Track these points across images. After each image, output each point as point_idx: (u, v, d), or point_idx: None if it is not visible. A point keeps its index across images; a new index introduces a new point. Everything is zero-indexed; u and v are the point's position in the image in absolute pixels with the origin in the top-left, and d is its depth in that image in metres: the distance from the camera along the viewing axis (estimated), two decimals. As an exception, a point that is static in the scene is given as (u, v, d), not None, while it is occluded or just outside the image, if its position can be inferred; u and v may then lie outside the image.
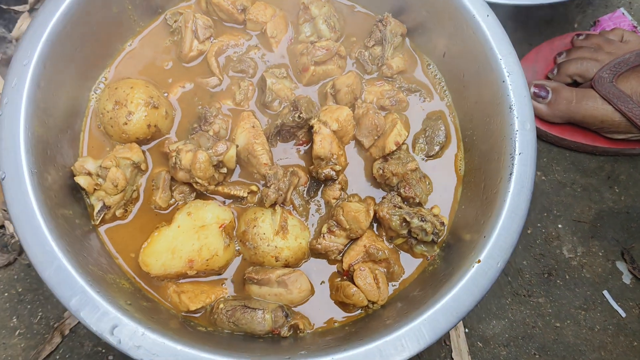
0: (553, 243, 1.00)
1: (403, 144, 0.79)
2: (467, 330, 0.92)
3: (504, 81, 0.74)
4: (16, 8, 1.12)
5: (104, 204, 0.72)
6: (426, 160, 0.82)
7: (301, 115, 0.77)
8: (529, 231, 1.00)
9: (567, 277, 0.98)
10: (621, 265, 0.99)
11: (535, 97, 1.01)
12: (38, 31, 0.70)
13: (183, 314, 0.71)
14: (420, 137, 0.83)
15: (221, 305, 0.70)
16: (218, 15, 0.86)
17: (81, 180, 0.71)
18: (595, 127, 1.00)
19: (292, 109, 0.78)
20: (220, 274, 0.74)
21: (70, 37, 0.73)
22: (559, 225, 1.02)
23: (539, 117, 1.03)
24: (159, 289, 0.72)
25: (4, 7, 1.12)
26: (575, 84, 1.03)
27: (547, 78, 1.07)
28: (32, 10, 1.12)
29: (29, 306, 0.91)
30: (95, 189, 0.72)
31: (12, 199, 0.63)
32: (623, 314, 0.95)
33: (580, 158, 1.07)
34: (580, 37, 1.08)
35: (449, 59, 0.84)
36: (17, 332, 0.89)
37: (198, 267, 0.71)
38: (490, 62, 0.76)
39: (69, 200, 0.71)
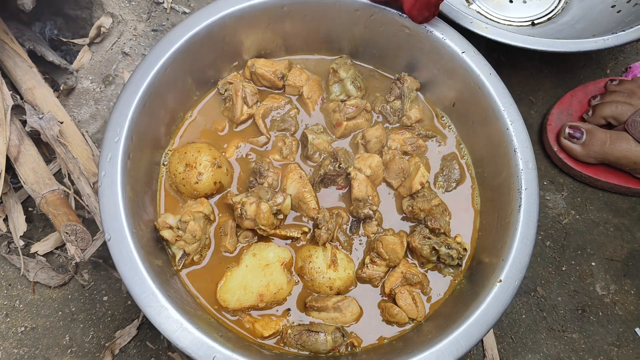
0: (587, 280, 1.07)
1: (426, 182, 0.94)
2: (503, 363, 1.01)
3: (507, 128, 0.89)
4: (76, 41, 1.20)
5: (184, 252, 0.86)
6: (443, 192, 0.97)
7: (341, 165, 0.92)
8: (563, 268, 1.08)
9: (600, 313, 1.04)
10: (653, 304, 1.05)
11: (570, 138, 1.08)
12: (124, 112, 0.84)
13: (258, 340, 0.85)
14: (439, 176, 0.98)
15: (289, 331, 0.84)
16: (261, 83, 1.01)
17: (165, 234, 0.85)
18: (628, 169, 1.08)
19: (332, 160, 0.92)
20: (283, 304, 0.88)
21: (148, 112, 0.87)
22: (593, 263, 1.08)
23: (573, 157, 1.11)
24: (235, 321, 0.86)
25: (64, 39, 1.20)
26: (608, 126, 1.10)
27: (582, 119, 1.14)
28: (91, 43, 1.19)
29: (81, 325, 0.99)
30: (176, 240, 0.86)
31: (118, 256, 0.77)
32: (655, 351, 1.01)
33: (613, 198, 1.14)
34: (614, 83, 1.15)
35: (459, 108, 0.99)
36: (69, 351, 0.97)
37: (267, 299, 0.85)
38: (495, 112, 0.91)
39: (156, 251, 0.85)
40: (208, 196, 0.92)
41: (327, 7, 0.96)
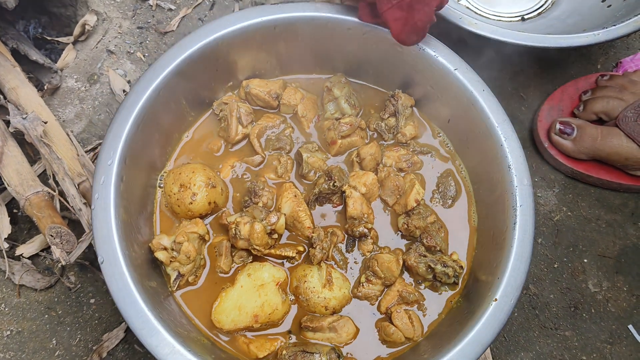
0: (579, 277, 1.06)
1: (422, 199, 0.93)
2: (496, 362, 1.00)
3: (502, 145, 0.89)
4: (60, 39, 1.18)
5: (179, 272, 0.86)
6: (438, 206, 0.96)
7: (335, 183, 0.91)
8: (555, 265, 1.07)
9: (593, 310, 1.03)
10: (645, 300, 1.04)
11: (560, 133, 1.07)
12: (117, 135, 0.84)
13: (253, 361, 0.84)
14: (435, 193, 0.98)
15: (284, 352, 0.83)
16: (256, 103, 1.01)
17: (160, 255, 0.85)
18: (619, 164, 1.06)
19: (327, 178, 0.92)
20: (279, 325, 0.88)
21: (142, 135, 0.87)
22: (585, 260, 1.07)
23: (564, 153, 1.10)
24: (230, 342, 0.86)
25: (48, 38, 1.19)
26: (600, 121, 1.09)
27: (573, 115, 1.13)
28: (76, 41, 1.17)
29: (68, 328, 0.98)
30: (171, 261, 0.86)
31: (111, 279, 0.77)
32: (648, 348, 1.00)
33: (605, 194, 1.13)
34: (605, 78, 1.14)
35: (453, 124, 0.99)
36: (56, 354, 0.96)
37: (262, 320, 0.85)
38: (489, 129, 0.90)
39: (151, 272, 0.85)
40: (203, 216, 0.92)
41: (319, 27, 0.96)
